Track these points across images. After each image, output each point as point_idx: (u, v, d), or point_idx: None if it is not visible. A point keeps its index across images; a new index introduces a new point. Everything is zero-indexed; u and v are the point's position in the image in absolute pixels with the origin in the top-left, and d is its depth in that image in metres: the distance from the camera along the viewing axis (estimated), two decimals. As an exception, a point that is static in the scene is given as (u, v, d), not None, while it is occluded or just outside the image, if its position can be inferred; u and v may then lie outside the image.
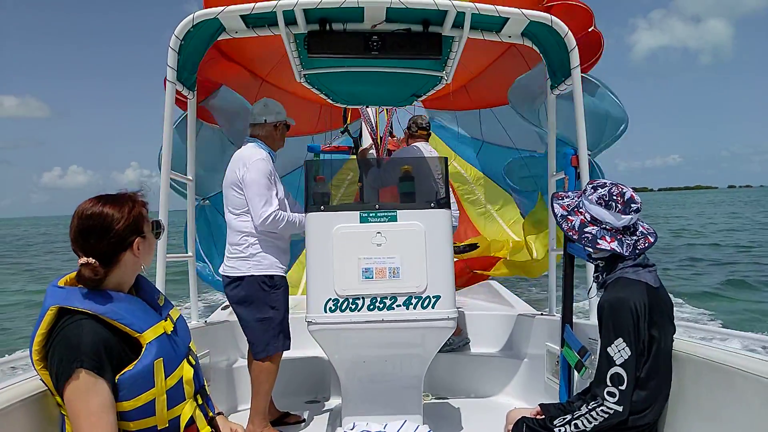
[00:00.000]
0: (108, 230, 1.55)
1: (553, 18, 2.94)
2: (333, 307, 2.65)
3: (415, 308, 2.65)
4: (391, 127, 5.79)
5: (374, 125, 5.51)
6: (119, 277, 1.60)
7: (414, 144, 4.28)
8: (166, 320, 1.66)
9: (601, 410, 1.86)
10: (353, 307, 2.65)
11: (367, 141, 5.62)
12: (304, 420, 3.42)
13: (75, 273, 1.57)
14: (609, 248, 2.02)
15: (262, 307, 3.04)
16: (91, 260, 1.52)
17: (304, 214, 2.91)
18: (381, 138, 5.62)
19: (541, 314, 3.76)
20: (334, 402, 3.70)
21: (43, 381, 1.53)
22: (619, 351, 1.87)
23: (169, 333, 1.62)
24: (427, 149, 4.23)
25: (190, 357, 1.70)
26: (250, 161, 3.05)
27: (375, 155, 5.22)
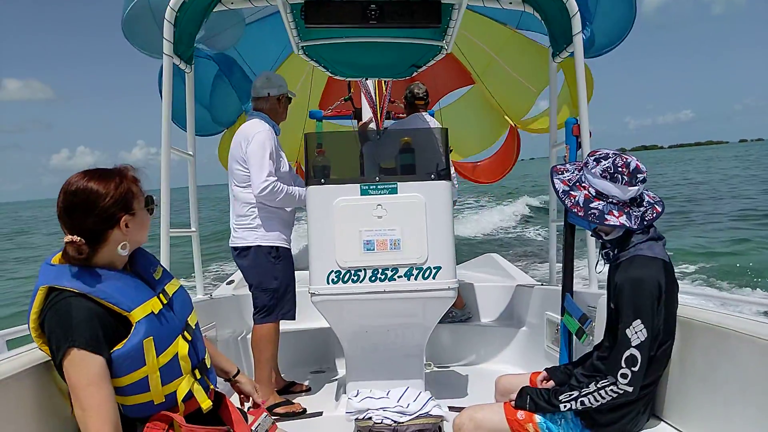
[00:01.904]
0: (93, 207, 1.50)
1: None
2: (335, 279, 2.69)
3: (416, 279, 2.68)
4: (392, 99, 5.76)
5: (374, 97, 5.47)
6: (109, 255, 1.55)
7: (414, 114, 4.25)
8: (159, 296, 1.62)
9: (611, 390, 1.84)
10: (355, 278, 2.68)
11: (367, 114, 5.58)
12: (309, 389, 3.49)
13: None
14: (618, 223, 1.95)
15: (267, 276, 3.14)
16: (76, 238, 1.47)
17: (304, 188, 2.93)
18: (381, 110, 5.59)
19: (542, 284, 3.80)
20: (339, 372, 3.78)
21: (45, 353, 1.55)
22: (636, 333, 1.82)
23: (160, 310, 1.59)
24: (428, 119, 4.20)
25: (185, 332, 1.65)
26: (252, 134, 3.09)
27: (375, 128, 5.18)
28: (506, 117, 6.20)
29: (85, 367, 1.41)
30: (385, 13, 2.90)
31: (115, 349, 1.47)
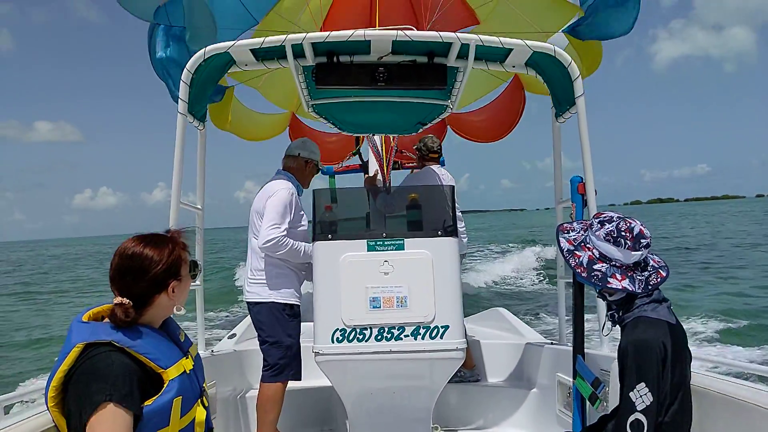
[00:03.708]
0: (146, 272, 1.56)
1: (556, 48, 2.97)
2: (340, 338, 2.64)
3: (423, 338, 2.63)
4: (398, 149, 5.86)
5: (380, 151, 5.58)
6: (150, 316, 1.61)
7: (427, 166, 4.30)
8: (187, 357, 1.66)
9: None
10: (360, 337, 2.63)
11: (373, 166, 5.68)
12: None
13: (99, 307, 1.58)
14: (620, 287, 1.94)
15: (281, 333, 3.15)
16: (126, 301, 1.52)
17: (309, 244, 2.95)
18: (387, 162, 5.68)
19: (551, 343, 3.71)
20: None
21: (53, 420, 1.50)
22: (641, 396, 1.77)
23: (190, 370, 1.62)
24: (441, 173, 4.24)
25: (204, 398, 1.69)
26: (275, 190, 3.23)
27: (381, 180, 5.25)
28: None
29: (114, 423, 1.39)
30: (393, 76, 2.99)
31: (146, 404, 1.47)
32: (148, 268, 1.57)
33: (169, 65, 4.49)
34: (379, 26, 4.58)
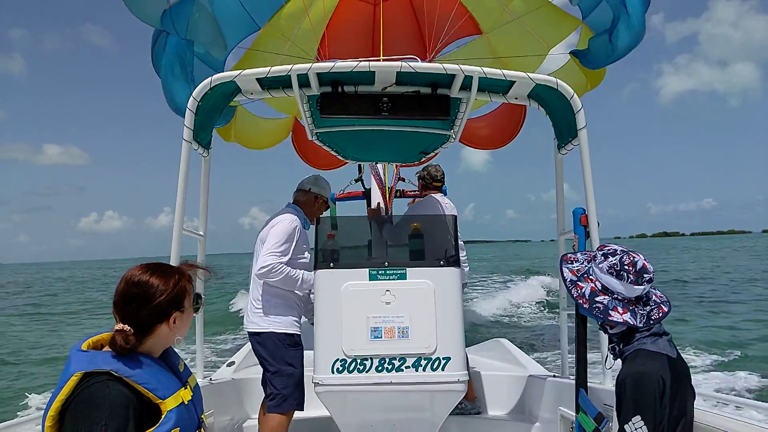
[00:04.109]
0: (149, 300, 1.56)
1: (559, 81, 2.99)
2: (340, 368, 2.60)
3: (424, 370, 2.60)
4: (401, 178, 5.89)
5: (383, 179, 5.61)
6: (149, 346, 1.60)
7: (430, 195, 4.31)
8: (185, 388, 1.64)
9: None
10: (361, 368, 2.60)
11: (376, 194, 5.70)
12: None
13: (99, 336, 1.57)
14: (621, 320, 1.94)
15: (282, 363, 3.13)
16: (127, 328, 1.52)
17: (309, 272, 2.94)
18: (390, 191, 5.70)
19: (554, 376, 3.65)
20: None
21: None
22: (636, 429, 1.76)
23: (189, 401, 1.60)
24: (444, 202, 4.25)
25: (202, 429, 1.67)
26: (280, 220, 3.28)
27: (384, 210, 5.27)
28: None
29: None
30: (397, 106, 3.03)
31: None
32: (152, 297, 1.57)
33: (171, 76, 4.53)
34: (382, 31, 4.65)
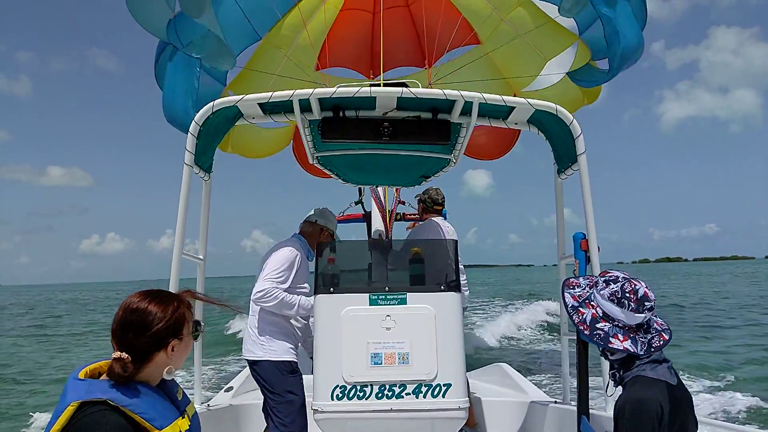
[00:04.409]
0: (147, 328, 1.55)
1: (559, 107, 3.02)
2: (340, 395, 2.57)
3: (425, 397, 2.56)
4: (401, 201, 5.89)
5: (383, 202, 5.62)
6: (148, 374, 1.59)
7: (430, 218, 4.30)
8: (183, 417, 1.62)
9: None
10: (361, 394, 2.57)
11: (375, 216, 5.69)
12: None
13: (96, 364, 1.56)
14: (621, 348, 1.93)
15: (281, 390, 3.09)
16: (124, 356, 1.51)
17: (306, 297, 2.93)
18: (390, 214, 5.71)
19: (555, 402, 3.61)
20: None
21: None
22: None
23: (186, 431, 1.58)
24: (445, 225, 4.24)
25: None
26: (282, 247, 3.28)
27: (384, 233, 5.26)
28: (509, 83, 5.49)
29: None
30: (398, 131, 3.05)
31: None
32: (150, 324, 1.56)
33: (174, 87, 4.51)
34: (381, 38, 4.68)
